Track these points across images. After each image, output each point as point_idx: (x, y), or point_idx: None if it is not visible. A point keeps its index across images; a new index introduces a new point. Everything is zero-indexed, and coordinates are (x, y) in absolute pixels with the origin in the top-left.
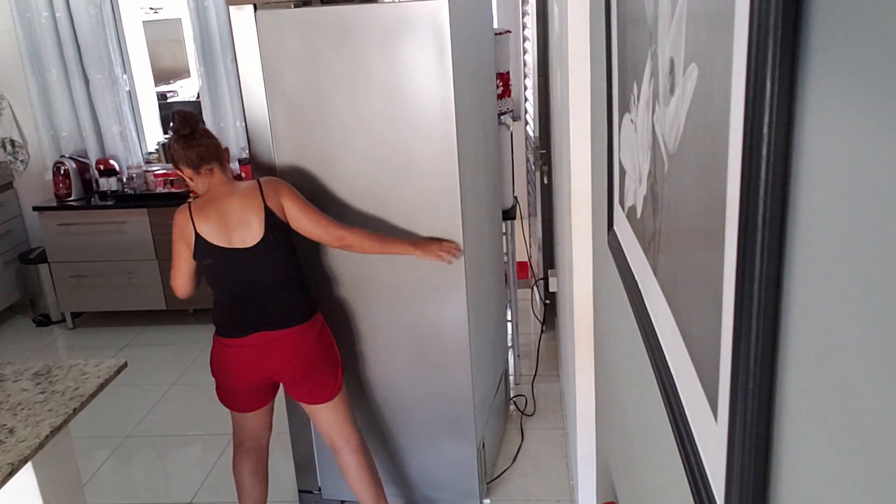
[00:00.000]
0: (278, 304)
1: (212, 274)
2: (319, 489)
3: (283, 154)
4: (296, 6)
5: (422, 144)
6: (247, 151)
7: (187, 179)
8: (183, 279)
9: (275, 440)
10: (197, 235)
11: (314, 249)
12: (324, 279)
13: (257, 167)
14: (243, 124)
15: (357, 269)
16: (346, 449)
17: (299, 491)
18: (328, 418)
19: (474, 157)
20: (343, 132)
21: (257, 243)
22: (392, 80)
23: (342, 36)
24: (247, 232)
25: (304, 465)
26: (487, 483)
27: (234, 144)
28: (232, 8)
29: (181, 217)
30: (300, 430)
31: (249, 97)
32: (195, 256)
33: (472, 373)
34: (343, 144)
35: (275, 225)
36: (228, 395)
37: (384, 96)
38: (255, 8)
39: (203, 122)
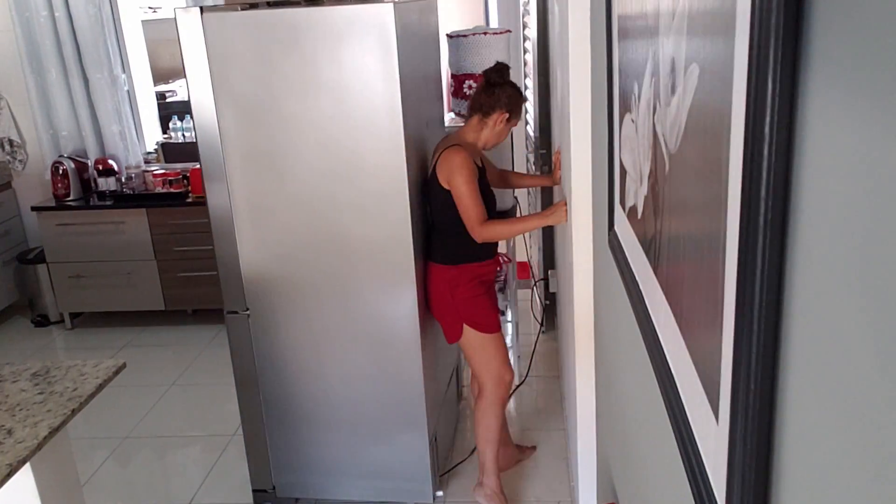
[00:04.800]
0: None
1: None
2: (273, 488)
3: (231, 155)
4: (242, 9)
5: (370, 144)
6: None
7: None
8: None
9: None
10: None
11: (263, 246)
12: (275, 276)
13: (206, 169)
14: None
15: (308, 267)
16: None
17: (253, 490)
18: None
19: (422, 157)
20: (292, 133)
21: None
22: (340, 81)
23: (290, 38)
24: None
25: (258, 463)
26: (441, 475)
27: None
28: (178, 10)
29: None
30: (254, 428)
31: (197, 99)
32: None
33: (424, 367)
34: (292, 145)
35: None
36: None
37: (332, 97)
38: (202, 10)
39: None
